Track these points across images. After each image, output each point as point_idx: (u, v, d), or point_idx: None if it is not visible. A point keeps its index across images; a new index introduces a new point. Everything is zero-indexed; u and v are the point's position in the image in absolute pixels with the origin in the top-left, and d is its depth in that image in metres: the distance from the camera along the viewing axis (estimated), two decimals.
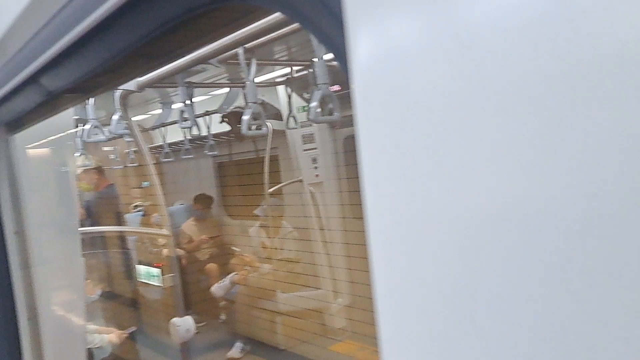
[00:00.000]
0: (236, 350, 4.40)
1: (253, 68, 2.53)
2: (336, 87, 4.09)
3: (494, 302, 0.29)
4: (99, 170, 4.09)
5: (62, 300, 2.34)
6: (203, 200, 5.25)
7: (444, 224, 0.31)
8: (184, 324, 2.64)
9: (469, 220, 0.30)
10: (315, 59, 2.69)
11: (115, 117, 3.01)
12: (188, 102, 3.13)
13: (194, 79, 3.96)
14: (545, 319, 0.26)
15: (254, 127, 2.78)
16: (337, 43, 0.39)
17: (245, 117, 2.47)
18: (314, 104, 2.17)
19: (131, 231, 4.20)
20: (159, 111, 4.92)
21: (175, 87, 4.06)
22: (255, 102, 2.52)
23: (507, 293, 0.28)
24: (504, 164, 0.28)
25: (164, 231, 2.87)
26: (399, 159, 0.33)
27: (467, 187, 0.30)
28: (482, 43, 0.27)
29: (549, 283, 0.26)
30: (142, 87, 2.77)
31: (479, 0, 0.27)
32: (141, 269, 4.15)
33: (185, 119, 2.99)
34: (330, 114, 2.32)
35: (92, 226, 3.92)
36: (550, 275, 0.26)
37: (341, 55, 0.38)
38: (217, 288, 4.51)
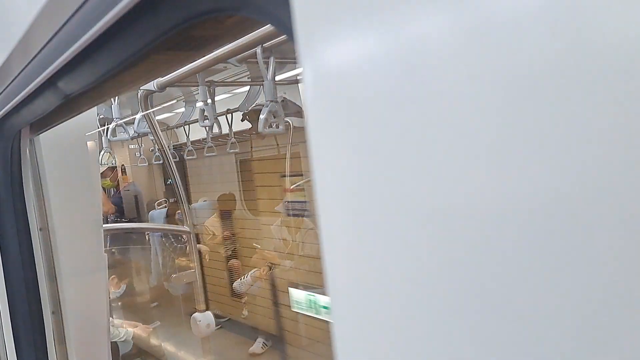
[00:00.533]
0: (258, 345, 4.45)
1: (272, 66, 2.55)
2: None
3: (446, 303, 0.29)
4: (121, 168, 4.18)
5: (85, 295, 2.39)
6: (226, 200, 5.30)
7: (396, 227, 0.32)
8: (205, 319, 2.68)
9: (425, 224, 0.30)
10: None
11: (138, 116, 3.06)
12: (208, 100, 3.17)
13: (216, 77, 4.00)
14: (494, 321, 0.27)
15: (273, 125, 2.80)
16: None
17: (262, 116, 2.49)
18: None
19: (153, 228, 4.27)
20: (183, 110, 5.00)
21: (197, 85, 4.12)
22: (272, 101, 2.54)
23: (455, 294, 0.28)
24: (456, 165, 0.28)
25: (185, 228, 2.91)
26: (348, 163, 0.35)
27: (416, 191, 0.30)
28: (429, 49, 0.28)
29: (501, 283, 0.26)
30: (162, 87, 2.81)
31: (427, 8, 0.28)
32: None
33: (206, 118, 3.02)
34: None
35: (116, 222, 4.00)
36: (506, 276, 0.26)
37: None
38: (239, 284, 4.56)
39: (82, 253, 2.37)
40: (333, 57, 0.34)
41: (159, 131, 2.83)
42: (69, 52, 1.00)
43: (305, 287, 4.24)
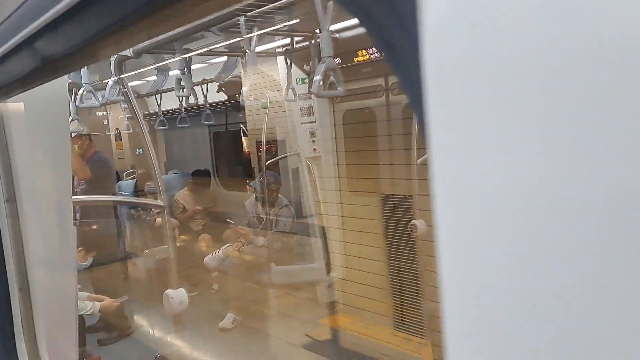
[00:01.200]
0: (228, 320, 4.41)
1: (255, 37, 2.45)
2: (337, 60, 4.01)
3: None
4: (88, 136, 4.01)
5: (54, 269, 2.31)
6: (199, 174, 5.19)
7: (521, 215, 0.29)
8: (178, 296, 2.62)
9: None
10: (319, 31, 2.61)
11: (110, 82, 2.92)
12: (186, 70, 3.05)
13: (192, 45, 3.86)
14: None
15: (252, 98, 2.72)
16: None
17: (318, 77, 2.34)
18: (317, 77, 2.10)
19: (127, 201, 4.15)
20: (154, 78, 4.82)
21: (172, 53, 3.96)
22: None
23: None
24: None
25: (159, 202, 2.82)
26: (472, 142, 0.30)
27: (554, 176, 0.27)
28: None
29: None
30: (139, 53, 2.68)
31: None
32: None
33: (183, 87, 2.90)
34: (333, 87, 2.25)
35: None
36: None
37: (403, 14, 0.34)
38: (211, 259, 4.50)
39: (51, 226, 2.29)
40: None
41: (134, 99, 2.71)
42: (46, 16, 0.91)
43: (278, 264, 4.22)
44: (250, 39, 2.42)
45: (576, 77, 0.24)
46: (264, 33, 3.25)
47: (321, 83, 2.23)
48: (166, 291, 2.66)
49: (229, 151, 5.23)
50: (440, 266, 0.33)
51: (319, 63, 3.59)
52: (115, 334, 4.02)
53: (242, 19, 2.39)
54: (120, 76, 2.68)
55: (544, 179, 0.26)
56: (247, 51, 2.49)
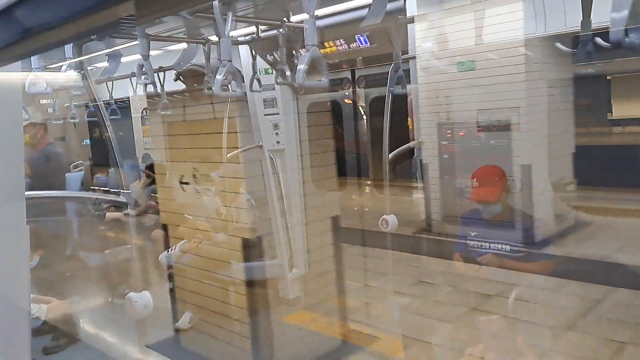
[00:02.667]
0: (185, 320, 4.24)
1: (229, 23, 2.31)
2: (302, 51, 3.89)
3: None
4: (43, 126, 3.70)
5: (4, 270, 2.13)
6: (154, 166, 4.91)
7: None
8: (142, 300, 2.44)
9: None
10: (298, 18, 2.49)
11: (65, 66, 2.69)
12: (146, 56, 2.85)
13: (149, 31, 3.63)
14: None
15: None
16: None
17: (220, 77, 2.26)
18: (302, 66, 1.99)
19: (87, 197, 3.87)
20: (105, 64, 4.53)
21: (126, 38, 3.72)
22: (230, 61, 2.31)
23: None
24: None
25: (121, 198, 2.61)
26: None
27: None
28: None
29: None
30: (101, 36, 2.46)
31: None
32: None
33: (144, 74, 2.71)
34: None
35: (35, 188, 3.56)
36: None
37: None
38: (166, 256, 4.29)
39: (1, 224, 2.11)
40: None
41: (94, 84, 2.48)
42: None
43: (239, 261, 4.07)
44: (224, 23, 2.27)
45: None
46: (242, 20, 3.09)
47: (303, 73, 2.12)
48: (129, 294, 2.47)
49: (187, 143, 5.00)
50: None
51: (286, 53, 3.47)
52: (63, 341, 3.74)
53: (216, 2, 2.23)
54: (80, 59, 2.45)
55: None
56: (222, 38, 2.32)
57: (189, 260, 4.21)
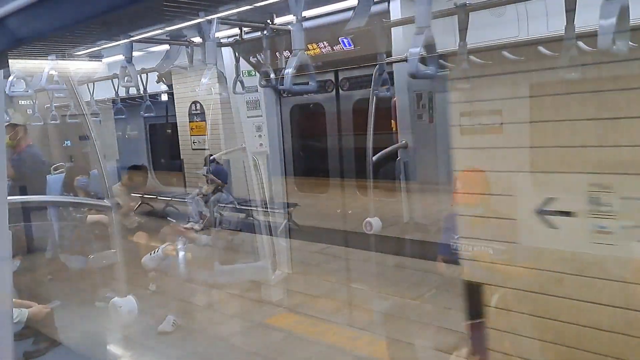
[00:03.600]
0: (167, 323, 4.20)
1: (214, 25, 2.32)
2: (286, 53, 3.90)
3: None
4: (24, 128, 3.64)
5: None
6: (138, 173, 4.83)
7: None
8: (126, 304, 2.42)
9: None
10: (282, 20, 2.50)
11: (47, 68, 2.65)
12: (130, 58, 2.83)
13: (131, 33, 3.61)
14: None
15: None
16: None
17: (204, 80, 2.25)
18: (290, 69, 2.00)
19: (71, 202, 3.82)
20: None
21: (108, 39, 3.69)
22: (215, 64, 2.31)
23: None
24: None
25: (105, 202, 2.59)
26: None
27: None
28: None
29: None
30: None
31: None
32: None
33: (128, 76, 2.69)
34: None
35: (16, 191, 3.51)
36: None
37: None
38: (149, 259, 4.25)
39: None
40: None
41: (76, 86, 2.46)
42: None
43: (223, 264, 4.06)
44: (210, 25, 2.27)
45: None
46: (227, 23, 3.09)
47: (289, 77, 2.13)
48: (113, 299, 2.45)
49: (168, 144, 4.97)
50: None
51: (271, 55, 3.48)
52: (44, 345, 3.68)
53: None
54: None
55: None
56: (201, 39, 2.32)
57: (172, 262, 4.18)
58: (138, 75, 3.99)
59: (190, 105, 5.21)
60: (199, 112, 5.31)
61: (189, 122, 5.25)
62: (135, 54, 4.22)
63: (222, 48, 4.04)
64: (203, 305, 4.17)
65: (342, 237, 4.37)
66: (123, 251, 4.61)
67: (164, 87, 4.61)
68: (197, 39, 3.43)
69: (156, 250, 4.26)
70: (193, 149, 5.21)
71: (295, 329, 3.95)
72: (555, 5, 2.12)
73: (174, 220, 4.44)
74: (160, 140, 5.02)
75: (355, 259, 4.56)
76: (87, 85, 4.27)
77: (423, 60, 1.88)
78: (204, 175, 4.36)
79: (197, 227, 4.46)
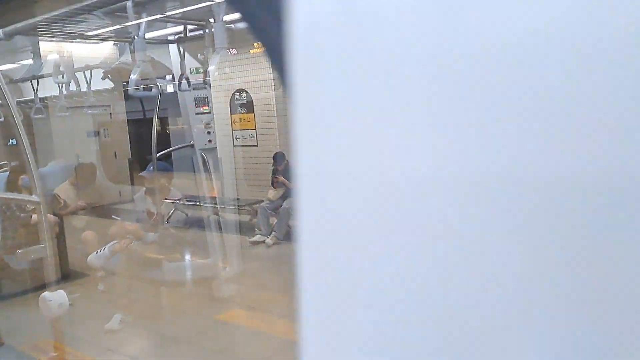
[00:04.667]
0: (115, 322, 4.17)
1: (143, 23, 2.32)
2: (233, 51, 3.92)
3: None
4: None
5: None
6: (86, 171, 4.77)
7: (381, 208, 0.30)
8: (56, 298, 2.41)
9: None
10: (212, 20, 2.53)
11: None
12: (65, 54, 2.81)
13: (74, 29, 3.57)
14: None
15: (141, 86, 2.57)
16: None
17: (134, 76, 2.26)
18: (212, 67, 2.03)
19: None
20: (31, 61, 4.41)
21: (52, 36, 3.65)
22: (144, 61, 2.32)
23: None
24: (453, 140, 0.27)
25: (34, 197, 2.56)
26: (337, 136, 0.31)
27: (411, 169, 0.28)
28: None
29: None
30: (10, 34, 2.41)
31: None
32: None
33: (62, 73, 2.67)
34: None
35: None
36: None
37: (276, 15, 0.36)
38: (95, 257, 4.21)
39: None
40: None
41: (3, 83, 2.43)
42: None
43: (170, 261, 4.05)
44: (139, 24, 2.28)
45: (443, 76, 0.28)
46: (154, 19, 3.09)
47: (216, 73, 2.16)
48: (43, 294, 2.44)
49: (115, 141, 4.92)
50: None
51: (213, 53, 3.50)
52: None
53: (129, 3, 2.24)
54: None
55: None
56: (136, 38, 2.33)
57: (119, 261, 4.15)
58: (83, 72, 3.97)
59: (234, 95, 4.73)
60: (244, 102, 4.73)
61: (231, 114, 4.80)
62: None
63: (170, 45, 4.04)
64: (150, 302, 4.15)
65: None
66: (69, 249, 4.56)
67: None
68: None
69: (103, 248, 4.22)
70: (236, 145, 4.79)
71: (244, 323, 3.98)
72: None
73: (119, 218, 4.40)
74: (109, 136, 4.96)
75: None
76: (31, 82, 4.20)
77: None
78: (273, 177, 4.16)
79: (268, 241, 4.31)
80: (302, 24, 0.31)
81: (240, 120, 4.85)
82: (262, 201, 4.26)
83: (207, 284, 4.13)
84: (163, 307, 4.13)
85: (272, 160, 4.16)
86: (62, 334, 3.08)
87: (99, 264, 4.20)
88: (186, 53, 3.69)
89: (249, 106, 4.74)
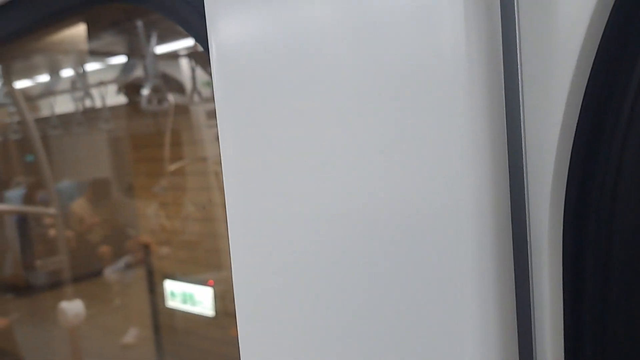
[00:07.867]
0: (131, 335, 4.19)
1: (153, 39, 2.36)
2: None
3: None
4: None
5: None
6: (98, 182, 4.84)
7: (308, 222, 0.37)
8: (72, 308, 2.44)
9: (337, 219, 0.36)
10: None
11: None
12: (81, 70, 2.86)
13: (88, 45, 3.63)
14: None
15: (155, 101, 2.60)
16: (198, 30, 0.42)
17: (145, 92, 2.30)
18: None
19: (11, 210, 3.81)
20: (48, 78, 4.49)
21: (66, 53, 3.72)
22: (155, 76, 2.36)
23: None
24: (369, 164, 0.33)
25: (51, 210, 2.60)
26: (261, 152, 0.36)
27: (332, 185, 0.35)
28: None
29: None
30: (26, 51, 2.46)
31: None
32: None
33: (77, 89, 2.72)
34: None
35: None
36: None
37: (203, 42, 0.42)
38: (110, 271, 4.25)
39: None
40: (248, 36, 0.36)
41: (23, 101, 2.47)
42: None
43: (184, 276, 4.05)
44: (149, 39, 2.31)
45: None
46: (166, 32, 3.13)
47: None
48: (60, 304, 2.47)
49: (130, 156, 4.97)
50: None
51: None
52: None
53: (139, 22, 2.28)
54: (6, 76, 2.44)
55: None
56: (147, 54, 2.37)
57: (134, 274, 4.18)
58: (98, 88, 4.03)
59: None
60: None
61: None
62: (95, 66, 4.25)
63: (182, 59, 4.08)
64: (164, 318, 4.17)
65: None
66: (86, 264, 4.60)
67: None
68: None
69: (118, 262, 4.26)
70: None
71: None
72: None
73: (134, 232, 4.44)
74: (123, 152, 5.02)
75: None
76: (49, 99, 4.27)
77: None
78: None
79: None
80: (220, 48, 0.37)
81: None
82: None
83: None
84: (178, 319, 4.14)
85: None
86: (79, 344, 3.11)
87: (114, 278, 4.24)
88: (197, 67, 3.73)
89: None
